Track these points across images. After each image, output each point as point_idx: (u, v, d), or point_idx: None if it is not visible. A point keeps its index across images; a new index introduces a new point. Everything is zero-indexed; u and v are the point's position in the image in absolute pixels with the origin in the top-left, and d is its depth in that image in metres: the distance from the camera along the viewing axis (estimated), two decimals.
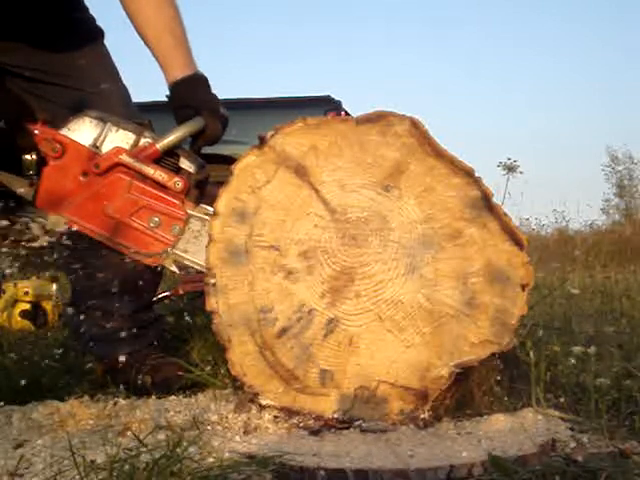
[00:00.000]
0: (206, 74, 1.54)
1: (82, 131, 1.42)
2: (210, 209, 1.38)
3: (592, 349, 1.43)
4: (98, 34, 1.70)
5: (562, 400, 1.34)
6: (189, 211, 1.40)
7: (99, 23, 1.72)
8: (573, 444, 1.11)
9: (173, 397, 1.47)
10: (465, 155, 1.28)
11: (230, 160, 1.47)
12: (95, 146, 1.41)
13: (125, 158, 1.40)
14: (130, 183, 1.40)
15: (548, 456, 1.04)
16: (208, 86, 1.53)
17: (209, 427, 1.26)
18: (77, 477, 1.01)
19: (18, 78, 1.59)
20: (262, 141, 1.33)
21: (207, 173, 1.44)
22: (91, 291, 1.58)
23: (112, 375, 1.58)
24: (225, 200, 1.32)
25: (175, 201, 1.41)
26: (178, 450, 1.08)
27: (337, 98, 4.00)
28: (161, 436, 1.20)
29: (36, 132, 1.41)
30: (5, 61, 1.57)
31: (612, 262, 5.41)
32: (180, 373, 1.51)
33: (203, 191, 1.43)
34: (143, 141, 1.42)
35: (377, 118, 1.30)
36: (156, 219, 1.40)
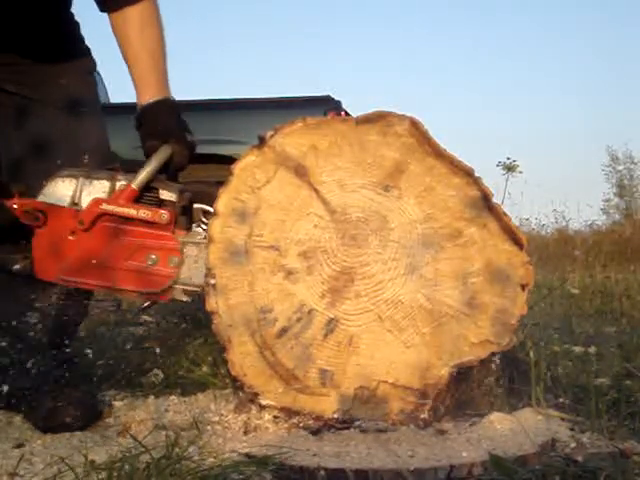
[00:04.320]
0: (176, 98, 1.55)
1: (58, 193, 1.42)
2: (201, 231, 1.38)
3: (592, 349, 1.43)
4: (85, 55, 1.70)
5: (562, 400, 1.34)
6: (182, 239, 1.39)
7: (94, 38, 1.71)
8: (573, 444, 1.11)
9: (173, 397, 1.47)
10: (465, 155, 1.28)
11: (230, 160, 1.47)
12: (74, 203, 1.41)
13: (106, 207, 1.39)
14: (117, 229, 1.40)
15: (548, 456, 1.04)
16: (176, 112, 1.53)
17: (209, 427, 1.26)
18: (77, 477, 1.01)
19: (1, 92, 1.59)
20: (262, 141, 1.33)
21: (190, 195, 1.42)
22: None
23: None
24: (225, 200, 1.32)
25: (166, 233, 1.39)
26: (178, 450, 1.08)
27: (337, 98, 4.00)
28: (161, 436, 1.20)
29: (15, 206, 1.40)
30: None
31: (612, 262, 5.41)
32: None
33: (190, 215, 1.42)
34: (118, 185, 1.41)
35: (377, 118, 1.30)
36: (153, 256, 1.39)
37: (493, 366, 1.29)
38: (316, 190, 1.30)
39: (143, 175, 1.40)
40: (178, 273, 1.37)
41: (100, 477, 1.00)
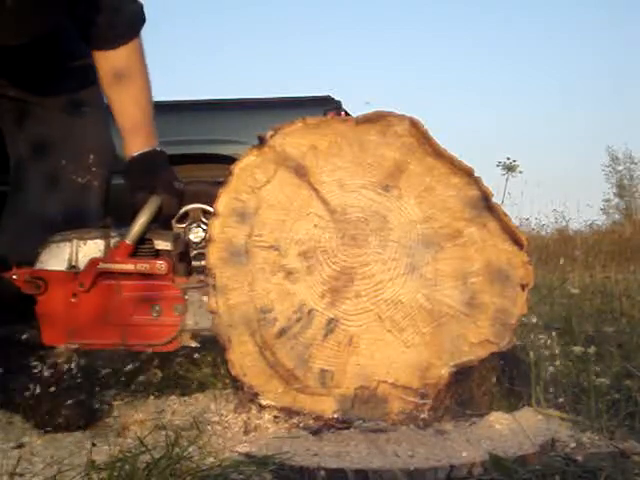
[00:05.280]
0: (165, 150, 1.57)
1: (54, 258, 1.43)
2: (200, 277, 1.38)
3: (592, 349, 1.43)
4: (93, 81, 1.70)
5: (562, 400, 1.34)
6: (183, 286, 1.40)
7: None
8: (573, 444, 1.11)
9: (173, 397, 1.47)
10: (465, 155, 1.28)
11: (230, 160, 1.47)
12: (72, 266, 1.42)
13: (104, 266, 1.40)
14: (118, 286, 1.41)
15: (548, 456, 1.04)
16: (164, 162, 1.54)
17: (209, 427, 1.26)
18: (77, 477, 1.01)
19: (3, 98, 1.59)
20: (262, 141, 1.33)
21: (185, 241, 1.43)
22: None
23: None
24: (225, 200, 1.32)
25: (166, 283, 1.40)
26: (178, 450, 1.08)
27: (337, 98, 4.00)
28: (161, 436, 1.20)
29: (14, 277, 1.41)
30: None
31: (612, 262, 5.40)
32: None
33: (188, 260, 1.43)
34: (112, 242, 1.43)
35: (377, 118, 1.30)
36: (156, 307, 1.40)
37: (493, 366, 1.29)
38: (316, 190, 1.30)
39: (136, 229, 1.41)
40: (184, 320, 1.39)
41: (100, 477, 1.00)
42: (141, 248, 1.43)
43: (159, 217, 1.46)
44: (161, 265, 1.39)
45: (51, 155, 1.61)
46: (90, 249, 1.43)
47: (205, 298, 1.36)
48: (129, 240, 1.40)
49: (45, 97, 1.60)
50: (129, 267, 1.40)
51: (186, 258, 1.42)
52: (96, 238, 1.44)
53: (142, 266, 1.40)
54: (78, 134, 1.62)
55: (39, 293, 1.41)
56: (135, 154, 1.52)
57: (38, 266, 1.43)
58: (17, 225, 1.62)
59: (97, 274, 1.40)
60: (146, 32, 1.61)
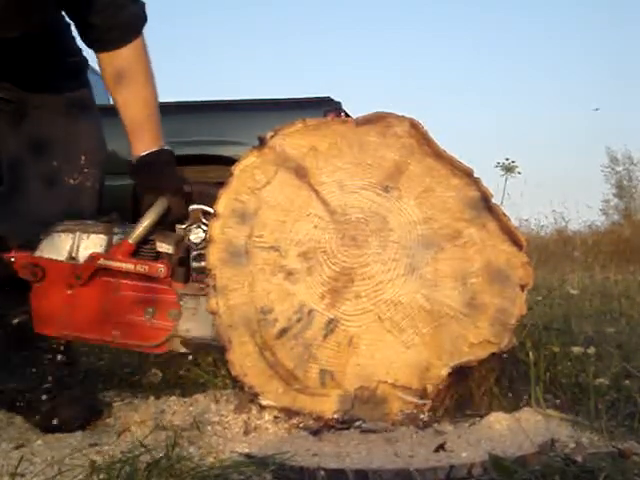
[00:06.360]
0: (171, 149, 1.54)
1: (55, 248, 1.42)
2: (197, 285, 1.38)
3: (591, 349, 1.43)
4: (85, 81, 1.69)
5: (562, 400, 1.34)
6: (180, 291, 1.39)
7: None
8: (573, 444, 1.11)
9: (173, 397, 1.47)
10: (464, 155, 1.28)
11: (230, 161, 1.47)
12: (72, 258, 1.41)
13: (104, 262, 1.40)
14: (115, 283, 1.40)
15: (547, 456, 1.04)
16: (172, 162, 1.53)
17: (209, 427, 1.26)
18: (77, 477, 1.01)
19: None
20: (262, 142, 1.33)
21: (186, 245, 1.43)
22: None
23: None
24: (225, 201, 1.32)
25: (163, 287, 1.40)
26: (178, 450, 1.08)
27: (337, 99, 4.00)
28: (161, 436, 1.20)
29: (12, 260, 1.41)
30: None
31: (611, 263, 5.41)
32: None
33: (188, 266, 1.42)
34: (115, 239, 1.42)
35: (377, 119, 1.31)
36: (150, 310, 1.39)
37: (493, 366, 1.29)
38: (316, 191, 1.30)
39: (140, 230, 1.41)
40: (176, 326, 1.38)
41: (100, 477, 1.00)
42: (143, 248, 1.42)
43: (166, 219, 1.45)
44: (161, 269, 1.39)
45: (43, 155, 1.60)
46: (92, 243, 1.42)
47: (201, 307, 1.36)
48: (132, 240, 1.40)
49: (37, 97, 1.60)
50: (129, 266, 1.39)
51: (186, 262, 1.42)
52: (99, 233, 1.43)
53: (142, 267, 1.39)
54: (70, 134, 1.61)
55: (35, 280, 1.40)
56: (142, 154, 1.51)
57: (38, 253, 1.42)
58: (10, 225, 1.61)
59: (96, 269, 1.40)
60: (146, 32, 1.61)
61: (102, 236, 1.43)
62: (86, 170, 1.63)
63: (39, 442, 1.27)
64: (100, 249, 1.41)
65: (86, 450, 1.17)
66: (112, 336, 1.40)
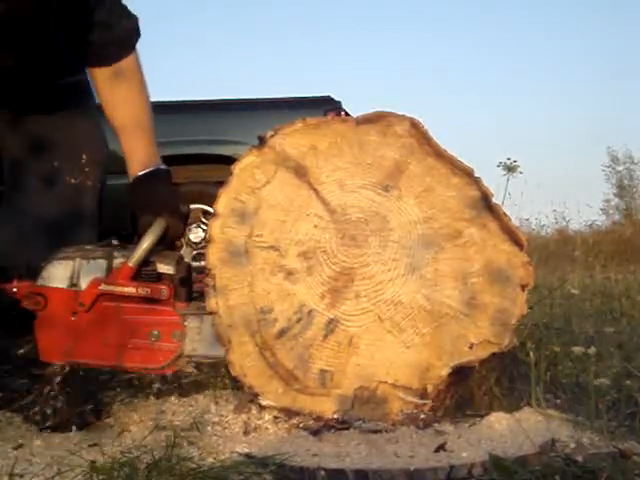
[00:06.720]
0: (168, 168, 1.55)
1: (56, 275, 1.42)
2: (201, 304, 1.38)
3: (592, 349, 1.42)
4: (88, 101, 1.70)
5: (562, 400, 1.34)
6: (183, 312, 1.39)
7: None
8: (573, 444, 1.10)
9: (173, 398, 1.47)
10: (465, 155, 1.28)
11: (230, 160, 1.47)
12: (73, 285, 1.41)
13: (105, 287, 1.39)
14: (118, 308, 1.40)
15: (548, 456, 1.04)
16: (169, 182, 1.53)
17: (209, 428, 1.26)
18: (77, 478, 1.01)
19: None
20: (262, 141, 1.33)
21: (187, 264, 1.43)
22: None
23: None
24: (225, 201, 1.32)
25: (166, 308, 1.40)
26: (178, 451, 1.08)
27: (337, 98, 4.00)
28: (161, 437, 1.20)
29: (15, 290, 1.41)
30: None
31: (612, 262, 5.40)
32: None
33: (190, 286, 1.42)
34: (115, 262, 1.42)
35: (377, 118, 1.30)
36: (155, 332, 1.39)
37: (493, 366, 1.29)
38: (316, 190, 1.30)
39: (140, 252, 1.40)
40: (181, 346, 1.38)
41: (100, 477, 1.00)
42: (144, 270, 1.42)
43: (164, 240, 1.45)
44: (163, 291, 1.39)
45: (44, 156, 1.60)
46: (92, 268, 1.41)
47: (205, 325, 1.36)
48: (132, 263, 1.39)
49: (37, 105, 1.60)
50: (130, 290, 1.39)
51: (187, 282, 1.42)
52: (99, 258, 1.43)
53: (144, 290, 1.39)
54: (70, 134, 1.61)
55: (39, 309, 1.40)
56: (139, 174, 1.51)
57: (39, 282, 1.42)
58: (11, 226, 1.61)
59: (98, 295, 1.40)
60: (146, 31, 1.61)
61: (102, 261, 1.42)
62: (87, 169, 1.63)
63: (39, 442, 1.26)
64: (101, 274, 1.41)
65: (86, 450, 1.17)
66: (118, 360, 1.40)
